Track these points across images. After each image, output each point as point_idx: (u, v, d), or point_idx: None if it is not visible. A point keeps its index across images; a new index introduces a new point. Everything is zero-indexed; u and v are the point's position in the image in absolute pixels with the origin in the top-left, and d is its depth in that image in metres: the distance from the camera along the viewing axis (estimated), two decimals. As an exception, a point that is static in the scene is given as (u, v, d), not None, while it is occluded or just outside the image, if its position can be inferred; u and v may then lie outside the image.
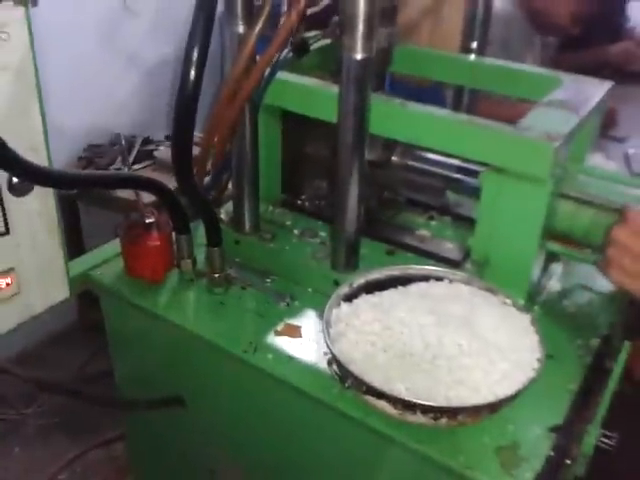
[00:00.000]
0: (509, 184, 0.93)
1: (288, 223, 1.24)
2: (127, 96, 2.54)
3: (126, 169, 2.29)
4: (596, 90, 1.05)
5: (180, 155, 0.91)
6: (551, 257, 1.09)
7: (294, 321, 1.03)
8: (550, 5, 1.83)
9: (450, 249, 1.13)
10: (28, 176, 0.83)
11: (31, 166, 0.80)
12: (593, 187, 0.99)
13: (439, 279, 0.98)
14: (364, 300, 0.93)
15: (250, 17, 1.00)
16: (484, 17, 1.23)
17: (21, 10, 0.85)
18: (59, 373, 1.98)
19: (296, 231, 1.21)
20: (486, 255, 1.01)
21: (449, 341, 0.81)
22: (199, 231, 1.14)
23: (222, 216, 1.22)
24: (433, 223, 1.26)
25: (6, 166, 0.78)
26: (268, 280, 1.14)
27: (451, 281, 0.97)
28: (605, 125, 1.94)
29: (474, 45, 1.26)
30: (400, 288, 0.95)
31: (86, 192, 2.24)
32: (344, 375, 0.81)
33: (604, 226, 0.93)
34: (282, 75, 1.07)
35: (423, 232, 1.20)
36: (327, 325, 0.87)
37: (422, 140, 0.98)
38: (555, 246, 1.02)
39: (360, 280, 0.98)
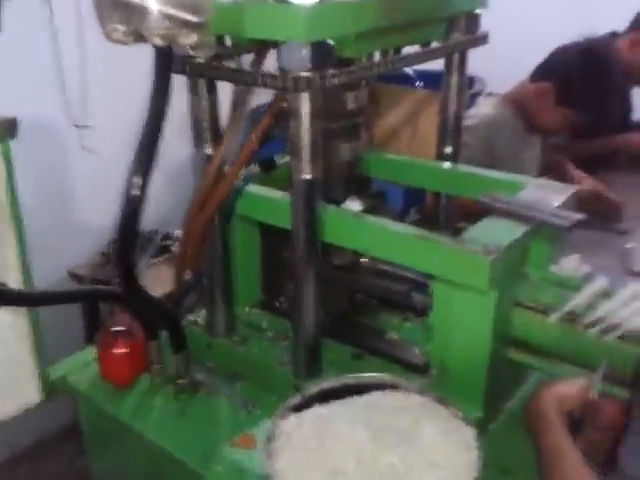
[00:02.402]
0: (456, 294, 0.94)
1: (264, 325, 1.26)
2: (150, 194, 2.67)
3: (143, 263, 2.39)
4: (557, 195, 1.06)
5: (125, 274, 0.95)
6: (521, 365, 1.07)
7: (251, 431, 1.03)
8: (541, 109, 1.87)
9: (416, 355, 1.13)
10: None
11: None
12: (549, 295, 0.99)
13: (395, 387, 0.98)
14: (312, 412, 0.93)
15: (216, 139, 1.08)
16: (455, 125, 1.28)
17: (-1, 149, 0.95)
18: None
19: (270, 333, 1.23)
20: (443, 362, 1.01)
21: (383, 459, 0.80)
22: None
23: (198, 319, 1.26)
24: (407, 325, 1.26)
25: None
26: (237, 385, 1.15)
27: (405, 390, 0.96)
28: (608, 218, 1.91)
29: (449, 150, 1.30)
30: (350, 399, 0.95)
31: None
32: (276, 494, 0.80)
33: (556, 336, 0.92)
34: (251, 188, 1.13)
35: (393, 335, 1.20)
36: (269, 439, 0.87)
37: (373, 251, 1.01)
38: (515, 354, 1.00)
39: (314, 389, 0.98)
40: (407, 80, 1.78)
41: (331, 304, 1.18)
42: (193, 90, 1.05)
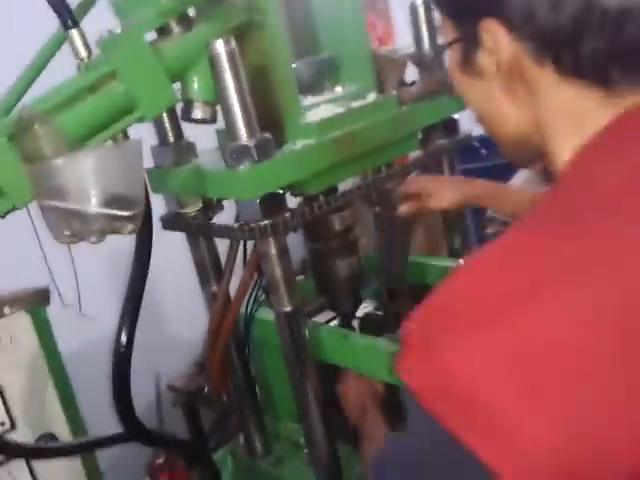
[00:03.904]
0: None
1: (302, 441, 1.30)
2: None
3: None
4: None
5: (127, 422, 1.03)
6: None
7: None
8: None
9: None
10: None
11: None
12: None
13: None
14: None
15: (219, 277, 1.18)
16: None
17: (29, 319, 1.11)
18: None
19: (307, 450, 1.26)
20: None
21: None
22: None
23: (241, 441, 1.33)
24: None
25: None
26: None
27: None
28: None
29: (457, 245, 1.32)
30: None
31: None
32: None
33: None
34: (259, 313, 1.21)
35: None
36: None
37: (362, 369, 1.04)
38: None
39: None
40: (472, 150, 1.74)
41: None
42: (190, 239, 1.17)
